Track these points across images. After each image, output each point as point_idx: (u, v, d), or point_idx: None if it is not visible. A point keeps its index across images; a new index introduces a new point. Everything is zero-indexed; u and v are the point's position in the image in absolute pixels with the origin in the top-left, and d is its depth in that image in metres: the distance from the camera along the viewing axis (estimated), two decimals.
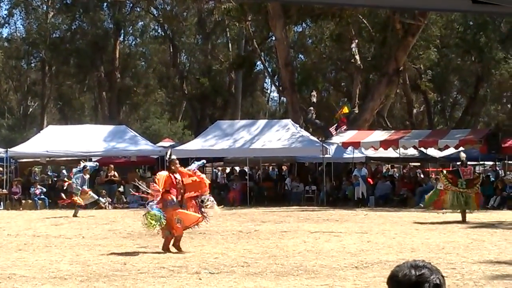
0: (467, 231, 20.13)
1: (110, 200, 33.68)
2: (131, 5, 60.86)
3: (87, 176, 28.08)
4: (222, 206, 18.66)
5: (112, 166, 35.59)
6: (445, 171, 26.44)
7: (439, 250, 16.06)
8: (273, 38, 43.17)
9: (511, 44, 47.52)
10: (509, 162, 41.25)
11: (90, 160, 37.15)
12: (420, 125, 51.87)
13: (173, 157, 17.87)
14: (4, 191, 34.56)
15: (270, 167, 46.94)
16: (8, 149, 35.33)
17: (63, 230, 21.74)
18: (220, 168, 48.38)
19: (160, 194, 15.97)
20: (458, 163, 26.48)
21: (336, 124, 40.58)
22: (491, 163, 41.66)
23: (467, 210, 23.64)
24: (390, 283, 3.35)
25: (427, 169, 44.28)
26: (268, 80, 71.32)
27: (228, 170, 46.22)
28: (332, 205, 32.44)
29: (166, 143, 43.48)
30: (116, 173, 35.17)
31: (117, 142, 35.99)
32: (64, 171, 45.62)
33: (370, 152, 36.62)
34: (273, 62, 58.87)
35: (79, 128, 39.29)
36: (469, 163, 41.51)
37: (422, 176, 39.18)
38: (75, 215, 26.96)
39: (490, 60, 46.53)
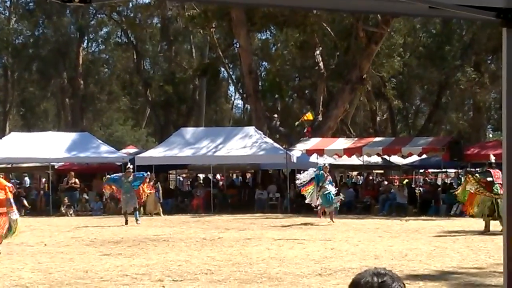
0: (430, 239, 20.25)
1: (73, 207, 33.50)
2: (94, 11, 60.53)
3: None
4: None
5: (72, 173, 35.27)
6: (477, 175, 23.12)
7: (402, 257, 16.14)
8: (237, 45, 43.14)
9: (472, 53, 47.90)
10: (471, 169, 41.50)
11: (53, 167, 36.91)
12: (383, 132, 52.06)
13: None
14: None
15: (234, 175, 46.92)
16: None
17: (25, 237, 21.46)
18: (184, 175, 48.29)
19: None
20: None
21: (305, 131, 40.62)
22: (453, 170, 41.86)
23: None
24: None
25: (391, 177, 44.47)
26: (232, 87, 71.37)
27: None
28: (296, 212, 32.43)
29: (130, 149, 43.27)
30: (77, 180, 34.88)
31: (80, 149, 35.67)
32: (26, 178, 45.24)
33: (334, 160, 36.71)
34: (237, 69, 58.90)
35: (42, 135, 38.88)
36: (431, 170, 41.41)
37: (386, 183, 39.36)
38: None
39: (451, 68, 46.83)
